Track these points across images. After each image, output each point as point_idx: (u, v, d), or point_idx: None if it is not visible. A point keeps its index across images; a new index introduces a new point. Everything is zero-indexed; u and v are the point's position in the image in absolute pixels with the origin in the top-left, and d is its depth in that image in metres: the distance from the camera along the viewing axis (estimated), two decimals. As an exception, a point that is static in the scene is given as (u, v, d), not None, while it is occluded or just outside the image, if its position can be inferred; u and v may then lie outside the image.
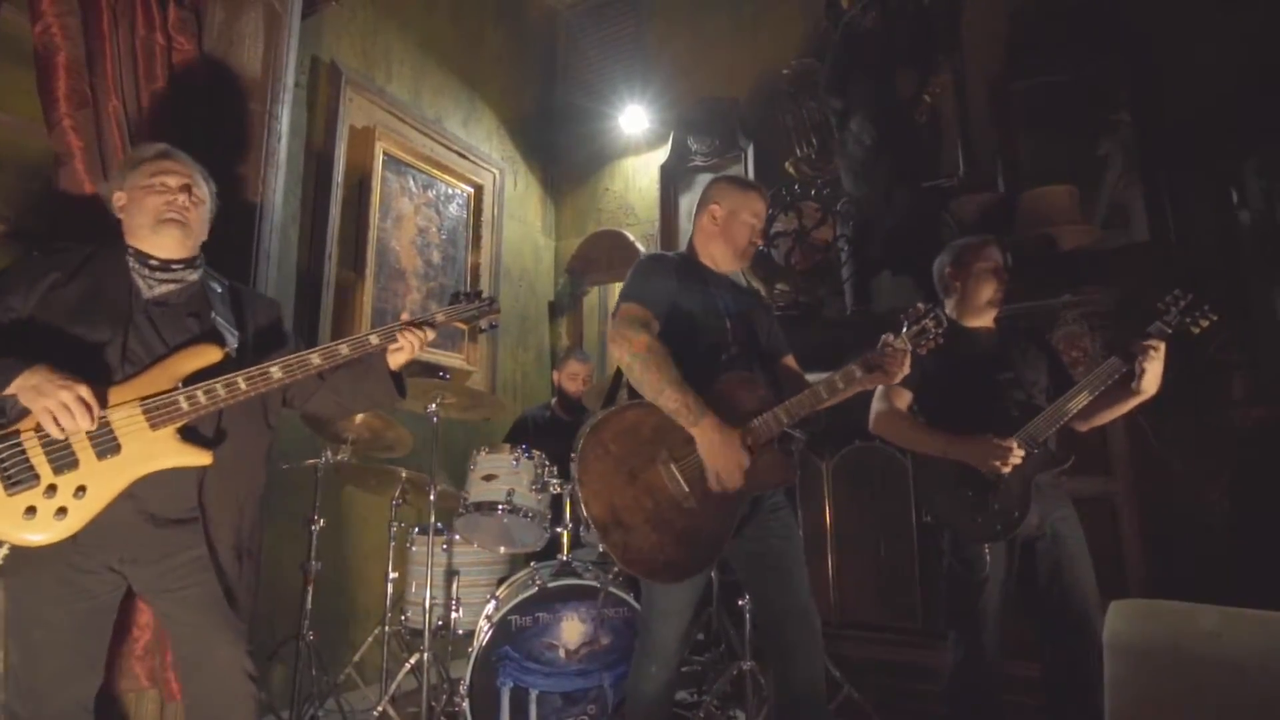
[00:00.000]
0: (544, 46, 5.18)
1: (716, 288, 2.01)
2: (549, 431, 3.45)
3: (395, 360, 1.75)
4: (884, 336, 1.86)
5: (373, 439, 2.88)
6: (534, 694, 2.26)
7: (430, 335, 1.76)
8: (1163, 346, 2.03)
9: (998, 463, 2.05)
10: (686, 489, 1.77)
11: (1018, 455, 2.05)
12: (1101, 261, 3.18)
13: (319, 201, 3.36)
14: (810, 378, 2.06)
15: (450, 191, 4.21)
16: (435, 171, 4.10)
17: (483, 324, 1.89)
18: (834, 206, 3.68)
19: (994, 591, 2.13)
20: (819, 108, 4.07)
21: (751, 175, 4.28)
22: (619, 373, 1.92)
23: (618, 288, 5.25)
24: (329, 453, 2.74)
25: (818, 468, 3.29)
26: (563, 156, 5.09)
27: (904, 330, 1.86)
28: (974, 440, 2.11)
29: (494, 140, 4.58)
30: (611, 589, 2.35)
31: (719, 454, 1.74)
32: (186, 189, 1.67)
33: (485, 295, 1.88)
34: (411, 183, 3.94)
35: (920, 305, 1.91)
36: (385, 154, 3.73)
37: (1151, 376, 2.06)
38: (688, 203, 4.56)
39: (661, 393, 1.76)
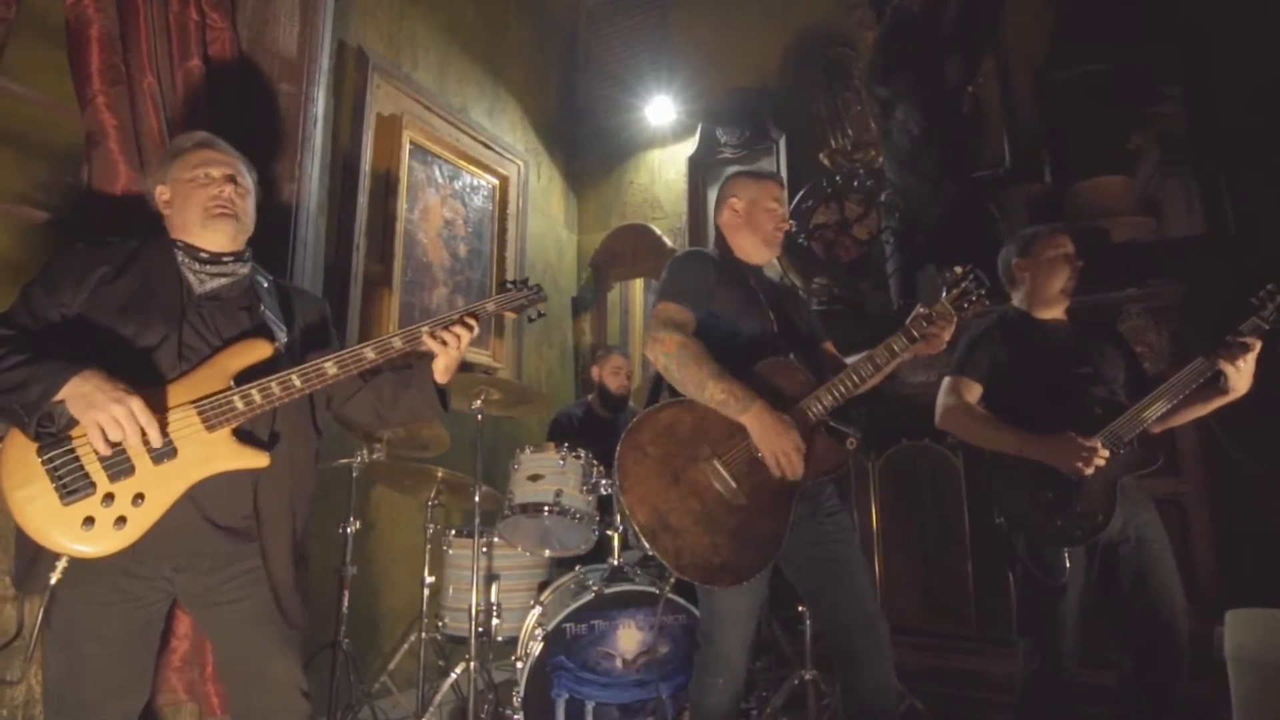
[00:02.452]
0: (566, 35, 5.06)
1: (754, 279, 1.96)
2: (588, 429, 3.33)
3: (439, 369, 1.65)
4: (917, 306, 1.81)
5: (408, 437, 2.76)
6: (590, 705, 2.15)
7: (475, 332, 1.65)
8: (1259, 345, 1.93)
9: (1080, 464, 1.94)
10: (735, 485, 1.68)
11: (1103, 456, 1.95)
12: (1158, 254, 3.08)
13: (346, 191, 3.23)
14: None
15: (476, 183, 4.09)
16: (461, 162, 3.97)
17: (531, 313, 1.80)
18: (877, 198, 3.57)
19: (1073, 598, 2.03)
20: (854, 98, 3.96)
21: (784, 167, 4.17)
22: (658, 376, 1.85)
23: (640, 284, 5.22)
24: (364, 452, 2.62)
25: (864, 468, 3.18)
26: (585, 149, 4.97)
27: (943, 295, 1.81)
28: (1054, 438, 2.00)
29: (517, 131, 4.46)
30: (670, 595, 2.23)
31: (774, 438, 1.66)
32: (231, 179, 1.58)
33: (533, 284, 1.80)
34: (438, 173, 3.81)
35: (957, 268, 1.86)
36: (412, 143, 3.61)
37: (1245, 376, 1.95)
38: (716, 196, 4.45)
39: (704, 387, 1.69)
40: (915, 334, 1.80)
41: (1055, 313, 2.23)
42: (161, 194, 1.59)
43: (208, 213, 1.53)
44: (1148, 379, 2.16)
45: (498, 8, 4.38)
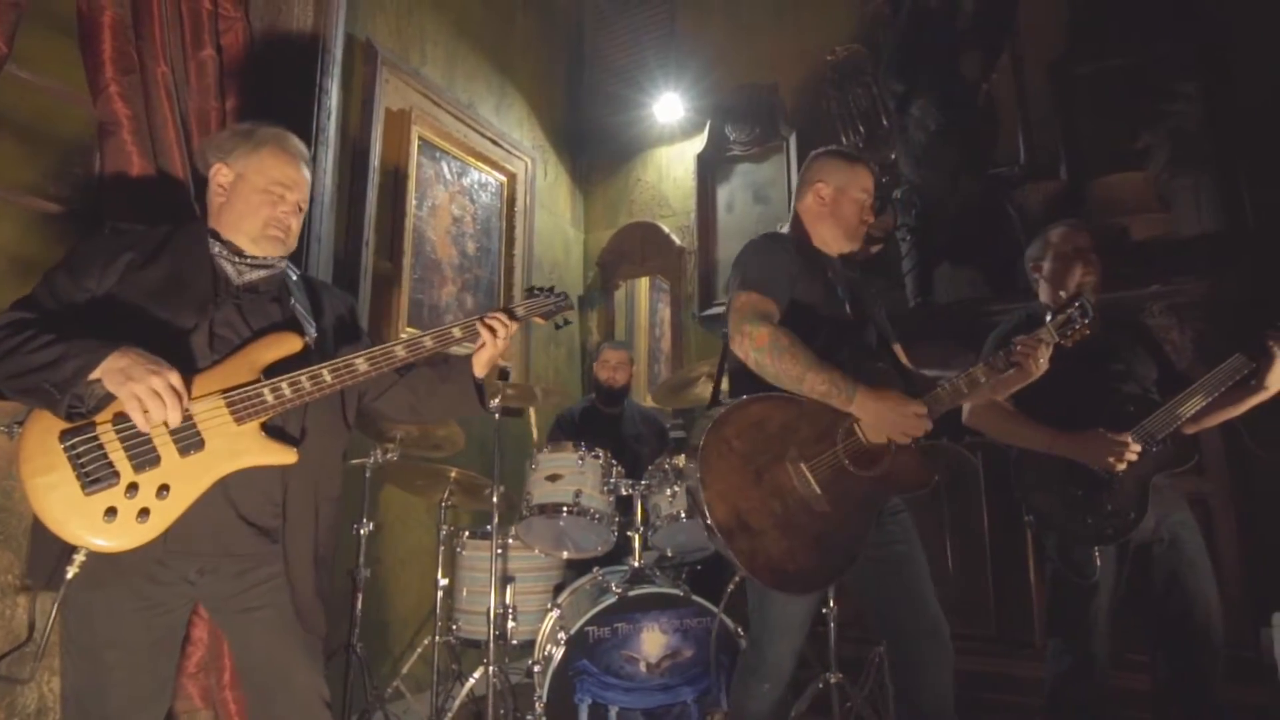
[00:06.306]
0: (573, 31, 5.02)
1: (831, 270, 1.85)
2: (589, 426, 3.29)
3: (479, 362, 1.61)
4: (1018, 337, 1.71)
5: (421, 437, 2.71)
6: (614, 711, 2.10)
7: (514, 327, 1.61)
8: None
9: (1112, 460, 1.91)
10: (818, 491, 1.60)
11: (1134, 451, 1.92)
12: (1178, 251, 3.04)
13: (355, 187, 3.18)
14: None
15: (484, 180, 4.04)
16: (469, 158, 3.92)
17: (558, 320, 1.77)
18: (892, 195, 3.53)
19: (1104, 598, 2.00)
20: (865, 94, 3.92)
21: (794, 165, 4.13)
22: (723, 356, 1.76)
23: (646, 282, 5.16)
24: (378, 452, 2.56)
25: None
26: (593, 146, 4.91)
27: (1048, 320, 1.71)
28: (1085, 435, 1.98)
29: (525, 128, 4.41)
30: (695, 598, 2.18)
31: (890, 418, 1.58)
32: (300, 208, 1.56)
33: (559, 291, 1.76)
34: (446, 170, 3.76)
35: (1062, 292, 1.87)
36: (421, 139, 3.55)
37: (1278, 373, 1.93)
38: (725, 193, 4.41)
39: (803, 380, 1.60)
40: (1010, 361, 1.67)
41: None
42: (220, 174, 1.52)
43: (264, 231, 1.50)
44: (1180, 376, 2.14)
45: (505, 2, 4.33)
